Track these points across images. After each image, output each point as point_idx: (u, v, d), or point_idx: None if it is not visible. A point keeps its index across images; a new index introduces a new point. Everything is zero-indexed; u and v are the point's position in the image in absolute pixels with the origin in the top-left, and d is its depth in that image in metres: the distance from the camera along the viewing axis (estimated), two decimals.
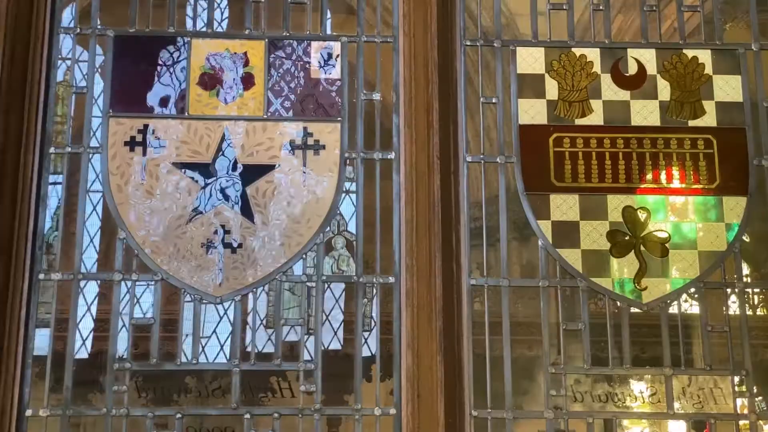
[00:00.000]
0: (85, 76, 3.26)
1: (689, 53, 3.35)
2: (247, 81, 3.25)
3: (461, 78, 3.24)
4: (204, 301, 3.07)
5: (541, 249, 3.15)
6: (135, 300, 3.04)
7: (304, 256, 3.13)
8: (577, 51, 3.34)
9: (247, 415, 2.95)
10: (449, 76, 3.20)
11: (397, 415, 2.95)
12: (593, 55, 3.34)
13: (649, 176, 3.23)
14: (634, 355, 3.07)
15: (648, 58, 3.33)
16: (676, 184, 3.23)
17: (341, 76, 3.27)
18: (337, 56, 3.29)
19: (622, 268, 3.15)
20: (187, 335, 3.04)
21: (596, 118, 3.28)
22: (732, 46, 3.37)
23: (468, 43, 3.31)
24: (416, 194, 3.07)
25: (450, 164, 3.12)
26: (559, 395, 3.02)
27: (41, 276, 3.01)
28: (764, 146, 3.26)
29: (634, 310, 3.11)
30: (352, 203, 3.53)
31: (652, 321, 3.10)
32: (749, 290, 3.15)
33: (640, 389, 3.19)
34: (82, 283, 3.08)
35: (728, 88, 3.31)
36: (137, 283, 3.07)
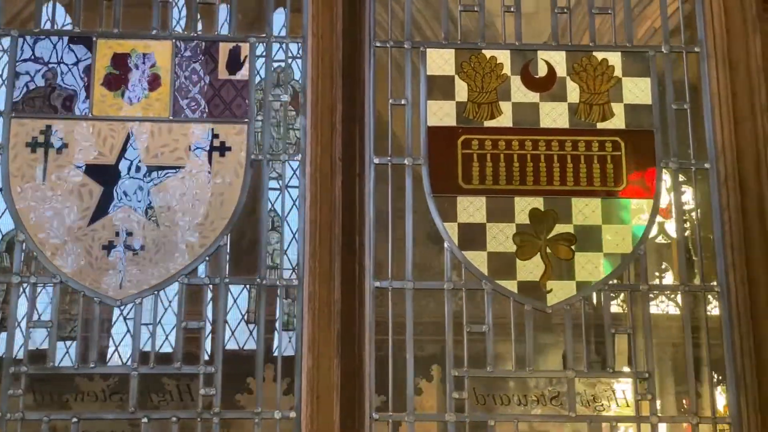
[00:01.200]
0: None
1: (599, 55, 3.35)
2: (153, 82, 3.22)
3: (370, 79, 3.23)
4: (103, 304, 3.05)
5: (446, 251, 3.14)
6: (33, 302, 3.02)
7: (207, 257, 3.12)
8: (488, 53, 3.34)
9: (145, 419, 2.93)
10: (356, 78, 3.18)
11: (296, 418, 2.94)
12: (503, 57, 3.34)
13: (557, 178, 3.23)
14: (538, 357, 3.07)
15: (558, 60, 3.33)
16: (583, 186, 3.23)
17: (249, 78, 3.25)
18: (245, 57, 3.28)
19: (528, 270, 3.14)
20: (85, 338, 3.02)
21: (505, 119, 3.27)
22: (642, 48, 3.37)
23: (378, 44, 3.30)
24: (319, 196, 3.06)
25: (355, 166, 3.10)
26: (461, 397, 3.02)
27: None
28: (672, 149, 3.27)
29: (538, 312, 3.11)
30: (272, 205, 3.51)
31: (556, 323, 3.10)
32: (654, 292, 3.13)
33: (542, 392, 3.19)
34: None
35: (637, 90, 3.31)
36: (36, 285, 3.05)
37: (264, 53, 3.28)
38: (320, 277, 2.99)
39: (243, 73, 3.24)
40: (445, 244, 3.14)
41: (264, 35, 3.30)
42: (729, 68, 3.22)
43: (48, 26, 3.35)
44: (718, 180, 3.18)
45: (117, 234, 3.08)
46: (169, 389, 3.03)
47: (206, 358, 2.99)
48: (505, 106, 3.28)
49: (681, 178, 3.26)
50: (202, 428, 2.93)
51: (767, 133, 3.10)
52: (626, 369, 3.09)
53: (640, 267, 3.16)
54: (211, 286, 3.11)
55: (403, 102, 3.26)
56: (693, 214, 3.23)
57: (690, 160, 3.25)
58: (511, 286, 3.13)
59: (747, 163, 3.13)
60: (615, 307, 3.10)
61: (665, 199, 3.30)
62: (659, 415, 3.02)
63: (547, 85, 3.31)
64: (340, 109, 3.09)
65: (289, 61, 3.25)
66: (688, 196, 4.20)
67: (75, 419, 2.91)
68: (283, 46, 3.28)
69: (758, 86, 3.14)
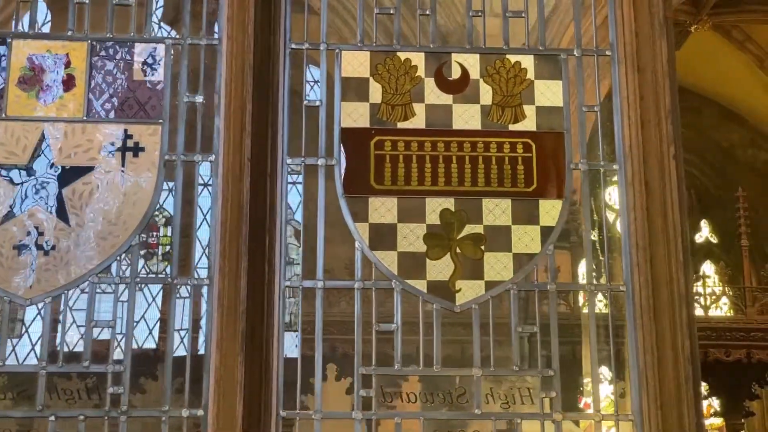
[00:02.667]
0: None
1: (512, 58, 3.40)
2: (68, 82, 3.24)
3: (284, 81, 3.26)
4: (13, 303, 3.07)
5: (357, 251, 3.19)
6: None
7: (119, 257, 3.14)
8: (402, 55, 3.39)
9: (52, 417, 2.96)
10: (269, 79, 3.22)
11: (204, 416, 2.98)
12: (418, 59, 3.38)
13: (468, 179, 3.28)
14: (445, 355, 3.12)
15: (471, 62, 3.38)
16: (494, 187, 3.28)
17: (164, 79, 3.28)
18: (161, 58, 3.30)
19: (438, 270, 3.20)
20: None
21: (418, 121, 3.32)
22: (554, 51, 3.43)
23: (294, 46, 3.34)
24: (230, 196, 3.09)
25: (266, 166, 3.14)
26: (368, 396, 3.07)
27: None
28: (581, 151, 3.33)
29: (447, 311, 3.16)
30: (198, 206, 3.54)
31: (464, 322, 3.15)
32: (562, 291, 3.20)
33: (449, 390, 3.25)
34: None
35: (549, 93, 3.37)
36: None
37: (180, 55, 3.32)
38: (228, 277, 3.02)
39: (158, 74, 3.27)
40: (356, 244, 3.19)
41: (180, 37, 3.33)
42: (637, 72, 3.28)
43: None
44: (626, 181, 3.25)
45: (28, 234, 3.10)
46: (77, 388, 3.05)
47: (116, 357, 3.02)
48: (419, 108, 3.33)
49: (591, 179, 3.33)
50: (110, 427, 2.97)
51: (670, 135, 3.17)
52: (530, 367, 3.15)
53: (548, 266, 3.23)
54: (122, 285, 3.14)
55: (317, 103, 3.31)
56: (602, 214, 3.27)
57: (599, 161, 3.32)
58: (420, 285, 3.18)
59: (652, 164, 3.20)
60: (519, 305, 3.15)
61: (575, 199, 3.36)
62: (563, 412, 3.09)
63: (461, 87, 3.36)
64: (250, 110, 3.12)
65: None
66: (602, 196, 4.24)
67: None
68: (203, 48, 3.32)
69: (663, 90, 3.21)
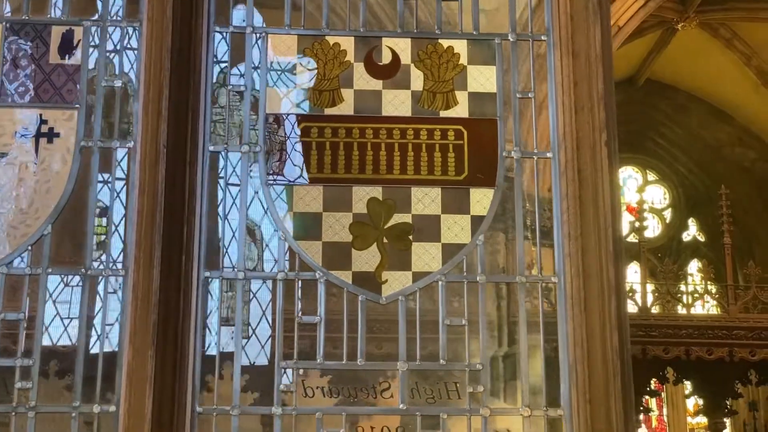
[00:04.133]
0: None
1: (445, 43, 3.30)
2: None
3: (207, 65, 3.16)
4: None
5: (280, 241, 3.09)
6: None
7: (30, 247, 3.03)
8: (332, 39, 3.28)
9: None
10: (191, 63, 3.11)
11: (115, 412, 2.88)
12: (347, 43, 3.28)
13: (397, 167, 3.18)
14: (370, 349, 3.02)
15: (403, 47, 3.28)
16: (423, 175, 3.18)
17: (82, 62, 3.18)
18: (79, 41, 3.19)
19: (364, 260, 3.09)
20: None
21: (346, 107, 3.22)
22: (488, 36, 3.33)
23: (218, 29, 3.24)
24: (146, 184, 2.99)
25: (185, 153, 3.03)
26: (289, 390, 2.97)
27: None
28: (515, 138, 3.23)
29: (372, 303, 3.06)
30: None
31: (390, 314, 3.05)
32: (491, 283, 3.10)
33: (373, 384, 3.15)
34: None
35: (482, 78, 3.27)
36: None
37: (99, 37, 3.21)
38: (143, 267, 2.92)
39: (75, 58, 3.17)
40: (279, 234, 3.08)
41: (98, 19, 3.23)
42: (572, 57, 3.18)
43: None
44: (559, 169, 3.15)
45: None
46: None
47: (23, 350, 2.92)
48: (347, 94, 3.23)
49: (525, 167, 3.23)
50: (17, 422, 2.87)
51: (603, 122, 3.08)
52: (458, 361, 3.05)
53: (476, 257, 3.13)
54: (30, 276, 3.03)
55: (242, 88, 3.21)
56: (534, 204, 3.17)
57: (533, 149, 3.22)
58: (345, 276, 3.08)
59: (584, 152, 3.10)
60: (447, 297, 3.05)
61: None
62: (491, 407, 2.99)
63: (391, 73, 3.26)
64: (167, 95, 3.02)
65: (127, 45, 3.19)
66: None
67: None
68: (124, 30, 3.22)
69: (597, 75, 3.11)
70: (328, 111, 3.21)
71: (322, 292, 3.05)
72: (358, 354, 2.99)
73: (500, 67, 3.26)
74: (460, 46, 3.28)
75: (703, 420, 14.32)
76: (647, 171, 20.32)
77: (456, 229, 3.13)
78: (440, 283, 3.08)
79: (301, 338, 3.00)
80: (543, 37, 3.28)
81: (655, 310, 12.18)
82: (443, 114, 3.23)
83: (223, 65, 3.20)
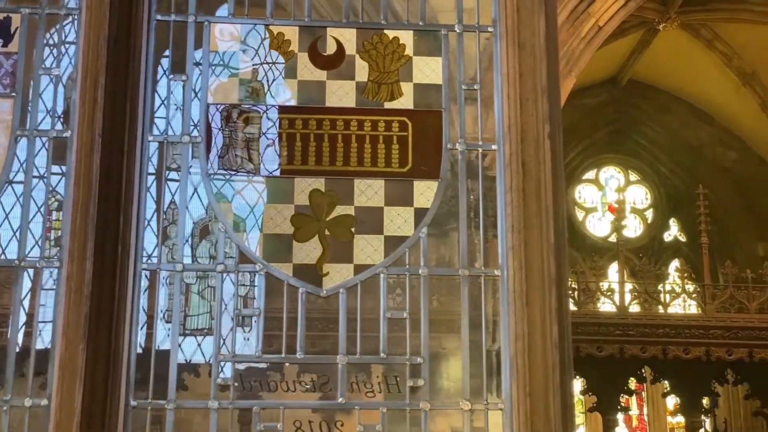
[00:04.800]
0: None
1: (391, 34, 3.27)
2: None
3: (148, 54, 3.11)
4: None
5: (220, 233, 3.05)
6: None
7: None
8: (275, 29, 3.24)
9: None
10: (130, 52, 3.07)
11: (47, 405, 2.83)
12: (291, 33, 3.24)
13: (340, 159, 3.15)
14: (310, 342, 2.99)
15: (348, 37, 3.25)
16: (367, 167, 3.15)
17: (19, 50, 3.12)
18: (16, 29, 3.14)
19: (305, 252, 3.06)
20: None
21: (290, 97, 3.19)
22: (434, 27, 3.30)
23: (159, 17, 3.19)
24: (81, 173, 2.94)
25: (123, 143, 2.99)
26: (226, 384, 2.93)
27: None
28: (460, 130, 3.21)
29: (313, 296, 3.03)
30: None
31: (330, 307, 3.02)
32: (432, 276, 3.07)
33: (312, 378, 3.11)
34: None
35: (428, 69, 3.23)
36: None
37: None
38: (77, 259, 2.87)
39: (13, 45, 3.12)
40: (219, 226, 3.04)
41: (38, 6, 3.18)
42: (518, 48, 3.16)
43: None
44: (503, 161, 3.12)
45: None
46: None
47: None
48: (291, 84, 3.19)
49: (470, 159, 3.20)
50: None
51: (546, 113, 3.05)
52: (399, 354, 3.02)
53: (420, 250, 3.10)
54: None
55: (184, 78, 3.16)
56: (479, 196, 3.15)
57: (478, 141, 3.19)
58: (286, 269, 3.04)
59: (528, 144, 3.07)
60: (389, 290, 3.02)
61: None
62: (431, 401, 2.96)
63: (336, 63, 3.22)
64: (103, 84, 2.97)
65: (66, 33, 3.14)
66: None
67: None
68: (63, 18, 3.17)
69: (541, 66, 3.09)
70: (272, 101, 3.17)
71: (261, 285, 3.01)
72: (298, 347, 2.96)
73: (446, 58, 3.23)
74: (406, 37, 3.25)
75: (682, 419, 14.34)
76: (629, 171, 20.39)
77: (399, 221, 3.10)
78: (382, 275, 3.04)
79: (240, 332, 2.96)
80: (490, 29, 3.25)
81: (636, 309, 12.22)
82: (388, 105, 3.20)
83: (164, 54, 3.15)
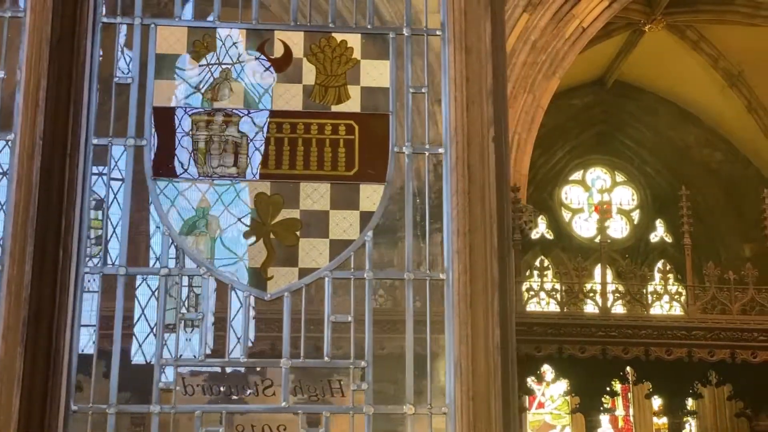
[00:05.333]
0: None
1: (338, 37, 3.27)
2: None
3: (93, 57, 3.10)
4: None
5: (164, 237, 3.04)
6: None
7: None
8: (223, 32, 3.24)
9: None
10: (74, 54, 3.06)
11: None
12: (239, 36, 3.24)
13: (286, 162, 3.14)
14: (254, 346, 2.98)
15: (296, 40, 3.24)
16: (313, 170, 3.14)
17: None
18: None
19: (250, 256, 3.05)
20: None
21: (236, 100, 3.18)
22: (383, 30, 3.30)
23: (105, 20, 3.18)
24: (23, 176, 2.93)
25: (65, 146, 2.98)
26: (168, 388, 2.92)
27: None
28: (407, 133, 3.20)
29: (258, 299, 3.02)
30: None
31: (275, 310, 3.01)
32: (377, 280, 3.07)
33: (255, 381, 3.10)
34: None
35: (376, 73, 3.23)
36: None
37: None
38: (18, 262, 2.86)
39: None
40: (163, 229, 3.03)
41: None
42: (465, 52, 3.16)
43: None
44: (450, 165, 3.12)
45: None
46: None
47: None
48: (237, 87, 3.19)
49: (416, 162, 3.20)
50: None
51: (491, 117, 3.05)
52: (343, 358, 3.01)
53: (365, 254, 3.10)
54: None
55: (129, 80, 3.15)
56: (426, 200, 3.14)
57: (425, 144, 3.19)
58: (231, 272, 3.04)
59: (474, 147, 3.08)
60: (334, 294, 3.01)
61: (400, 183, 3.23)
62: (374, 405, 2.96)
63: (283, 66, 3.22)
64: (45, 86, 2.96)
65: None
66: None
67: None
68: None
69: (486, 70, 3.09)
70: (217, 104, 3.16)
71: (206, 288, 3.00)
72: (241, 351, 2.95)
73: (394, 61, 3.23)
74: (354, 40, 3.25)
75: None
76: (615, 172, 20.43)
77: (345, 225, 3.09)
78: (327, 279, 3.04)
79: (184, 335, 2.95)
80: (438, 32, 3.25)
81: (621, 310, 12.23)
82: (335, 108, 3.19)
83: (109, 56, 3.14)
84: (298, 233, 3.07)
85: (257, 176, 3.10)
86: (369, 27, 3.27)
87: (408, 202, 3.11)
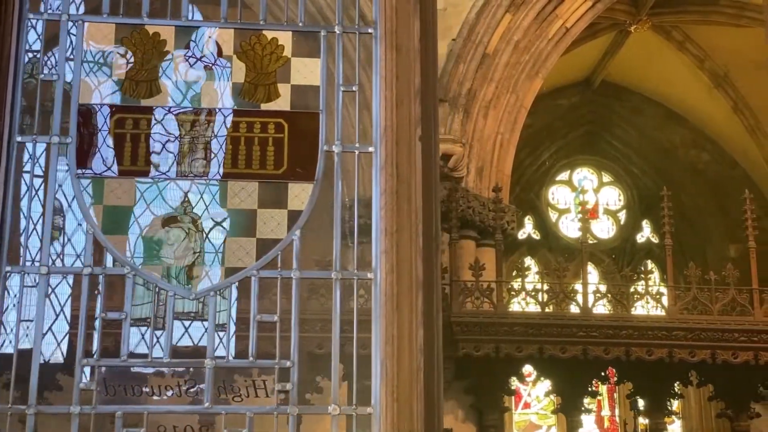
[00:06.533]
0: None
1: (269, 34, 3.23)
2: None
3: (18, 53, 3.07)
4: None
5: (88, 235, 3.01)
6: None
7: None
8: (151, 29, 3.20)
9: None
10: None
11: None
12: (168, 32, 3.20)
13: (214, 161, 3.12)
14: (179, 346, 2.95)
15: (226, 38, 3.21)
16: (241, 169, 3.11)
17: None
18: None
19: (176, 255, 3.01)
20: None
21: (163, 98, 3.15)
22: (314, 28, 3.27)
23: (31, 16, 3.15)
24: None
25: None
26: (89, 389, 2.89)
27: None
28: (336, 132, 3.17)
29: (183, 298, 2.98)
30: None
31: (203, 309, 2.98)
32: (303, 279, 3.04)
33: (178, 382, 3.07)
34: None
35: (306, 71, 3.20)
36: None
37: None
38: None
39: None
40: (86, 228, 3.00)
41: None
42: (395, 51, 3.13)
43: None
44: (379, 164, 3.09)
45: None
46: None
47: None
48: (165, 84, 3.16)
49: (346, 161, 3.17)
50: None
51: (418, 116, 3.03)
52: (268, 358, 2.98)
53: (292, 253, 3.07)
54: None
55: (55, 77, 3.12)
56: (355, 199, 3.11)
57: (355, 143, 3.16)
58: (156, 271, 3.01)
59: (402, 146, 3.05)
60: (260, 294, 2.98)
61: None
62: (299, 405, 2.93)
63: (212, 64, 3.18)
64: None
65: None
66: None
67: None
68: None
69: (414, 69, 3.06)
70: (145, 102, 3.13)
71: (129, 288, 2.97)
72: (165, 351, 2.92)
73: (325, 59, 3.20)
74: (285, 38, 3.22)
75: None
76: (602, 172, 20.43)
77: (272, 224, 3.06)
78: (253, 278, 3.01)
79: (105, 335, 2.92)
80: (370, 30, 3.22)
81: (605, 310, 12.21)
82: (264, 107, 3.16)
83: (35, 53, 3.11)
84: (225, 232, 3.04)
85: (183, 175, 3.06)
86: (300, 24, 3.24)
87: (336, 200, 3.08)
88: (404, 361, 2.87)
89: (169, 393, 2.91)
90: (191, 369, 2.92)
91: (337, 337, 2.97)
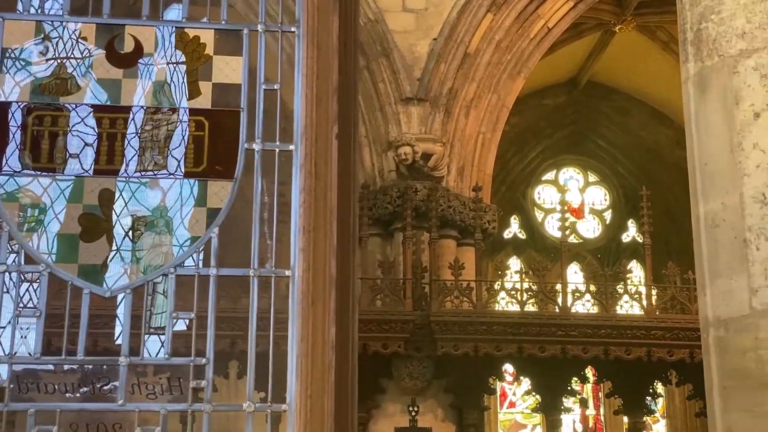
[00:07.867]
0: None
1: (192, 32, 3.23)
2: None
3: None
4: None
5: (3, 233, 3.01)
6: None
7: None
8: (73, 26, 3.20)
9: None
10: None
11: None
12: (89, 30, 3.20)
13: (136, 158, 3.11)
14: (92, 342, 2.95)
15: (147, 36, 3.21)
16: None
17: None
18: None
19: (92, 252, 3.02)
20: None
21: (82, 96, 3.15)
22: (237, 26, 3.26)
23: None
24: None
25: None
26: (2, 386, 2.89)
27: None
28: (257, 130, 3.17)
29: (98, 296, 2.99)
30: None
31: (115, 307, 2.98)
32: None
33: (92, 379, 3.08)
34: None
35: (228, 69, 3.20)
36: None
37: None
38: None
39: None
40: (3, 225, 3.00)
41: None
42: (317, 48, 3.13)
43: None
44: (299, 162, 3.09)
45: None
46: None
47: None
48: (85, 82, 3.15)
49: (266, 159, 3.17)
50: None
51: (335, 114, 3.03)
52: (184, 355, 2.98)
53: (210, 250, 3.07)
54: None
55: None
56: (274, 196, 3.11)
57: (275, 141, 3.17)
58: (71, 269, 3.00)
59: (321, 144, 3.05)
60: (176, 291, 2.98)
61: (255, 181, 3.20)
62: (213, 402, 2.93)
63: (133, 62, 3.18)
64: None
65: None
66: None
67: None
68: None
69: (333, 67, 3.07)
70: (65, 99, 3.13)
71: (44, 285, 2.97)
72: (79, 349, 2.92)
73: (247, 57, 3.20)
74: (207, 36, 3.22)
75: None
76: (588, 172, 20.45)
77: (191, 221, 3.06)
78: (170, 276, 3.01)
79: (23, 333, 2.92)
80: (293, 29, 3.22)
81: (583, 309, 12.23)
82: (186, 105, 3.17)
83: None
84: (142, 229, 3.04)
85: (103, 172, 3.06)
86: (223, 22, 3.24)
87: (256, 198, 3.08)
88: (318, 359, 2.87)
89: (83, 391, 2.91)
90: (105, 367, 2.92)
91: (253, 334, 2.97)
